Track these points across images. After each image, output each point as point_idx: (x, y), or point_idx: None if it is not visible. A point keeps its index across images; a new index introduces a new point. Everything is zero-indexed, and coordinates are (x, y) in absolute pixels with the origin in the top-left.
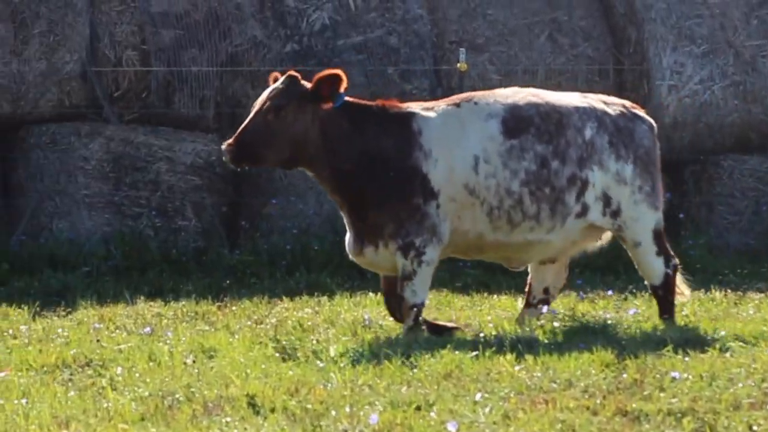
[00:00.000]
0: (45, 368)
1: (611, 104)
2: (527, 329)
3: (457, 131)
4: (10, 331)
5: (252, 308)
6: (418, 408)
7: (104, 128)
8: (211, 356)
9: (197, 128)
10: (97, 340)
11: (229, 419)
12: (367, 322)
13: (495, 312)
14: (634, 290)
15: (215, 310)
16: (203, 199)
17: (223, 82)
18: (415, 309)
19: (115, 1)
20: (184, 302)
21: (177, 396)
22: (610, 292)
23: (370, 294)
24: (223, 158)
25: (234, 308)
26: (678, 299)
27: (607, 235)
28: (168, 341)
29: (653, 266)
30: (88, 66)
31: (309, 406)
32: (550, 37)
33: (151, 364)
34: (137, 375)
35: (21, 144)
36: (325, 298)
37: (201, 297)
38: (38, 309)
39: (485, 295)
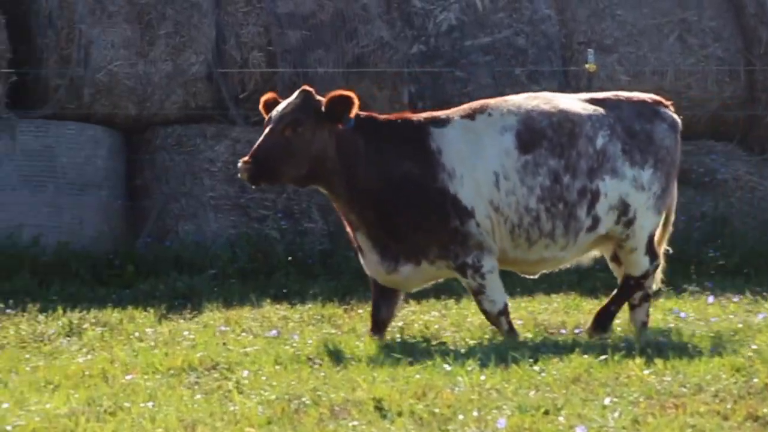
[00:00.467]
0: (171, 371)
1: (629, 103)
2: (654, 334)
3: (474, 146)
4: (136, 334)
5: None
6: (546, 412)
7: (230, 130)
8: (337, 359)
9: None
10: (223, 343)
11: (355, 423)
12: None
13: (623, 315)
14: (765, 294)
15: (341, 313)
16: (329, 201)
17: (348, 83)
18: (502, 315)
19: (241, 2)
20: (310, 305)
21: (303, 399)
22: (739, 297)
23: None
24: (239, 175)
25: (360, 311)
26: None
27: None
28: (294, 344)
29: (639, 263)
30: (213, 67)
31: (436, 410)
32: (679, 38)
33: (277, 367)
34: (263, 378)
35: (147, 146)
36: (452, 301)
37: (327, 300)
38: (164, 312)
39: None
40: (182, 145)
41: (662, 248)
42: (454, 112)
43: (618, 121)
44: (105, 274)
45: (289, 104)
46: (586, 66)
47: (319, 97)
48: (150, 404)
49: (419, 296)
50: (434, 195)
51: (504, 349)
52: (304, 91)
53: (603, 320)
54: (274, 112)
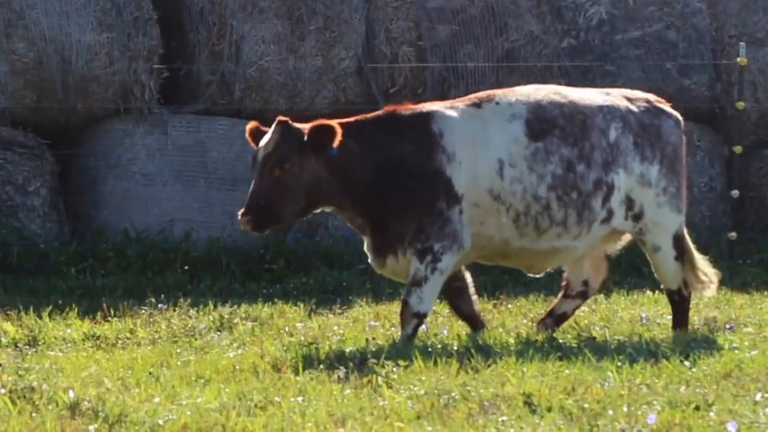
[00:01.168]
0: (321, 366)
1: (635, 100)
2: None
3: (479, 133)
4: (286, 329)
5: (528, 306)
6: (697, 408)
7: None
8: (486, 354)
9: None
10: (373, 338)
11: (505, 418)
12: (644, 321)
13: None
14: None
15: (491, 308)
16: None
17: (499, 77)
18: (417, 318)
19: None
20: None
21: (453, 394)
22: None
23: (648, 292)
24: (243, 229)
25: (510, 306)
26: (705, 291)
27: (626, 237)
28: (444, 339)
29: (671, 270)
30: (363, 62)
31: (585, 405)
32: None
33: (426, 362)
34: (413, 373)
35: None
36: (601, 296)
37: (477, 294)
38: (314, 306)
39: (766, 293)
40: None
41: (689, 245)
42: (459, 101)
43: (630, 114)
44: (255, 269)
45: (269, 141)
46: (738, 60)
47: (297, 126)
48: (300, 399)
49: None
50: (428, 175)
51: (654, 344)
52: (281, 123)
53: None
54: (259, 154)
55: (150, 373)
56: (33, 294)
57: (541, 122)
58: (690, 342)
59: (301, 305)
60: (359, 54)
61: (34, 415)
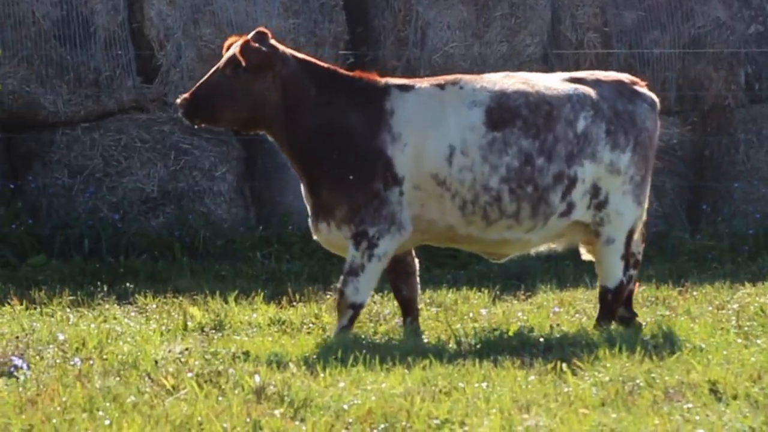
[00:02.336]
0: (505, 352)
1: (609, 82)
2: None
3: (435, 116)
4: (471, 315)
5: (713, 293)
6: None
7: None
8: (671, 341)
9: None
10: (557, 324)
11: (690, 405)
12: None
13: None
14: None
15: (676, 295)
16: (664, 182)
17: (685, 64)
18: (353, 309)
19: None
20: (644, 287)
21: (637, 381)
22: None
23: None
24: (178, 113)
25: (695, 293)
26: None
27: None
28: (627, 326)
29: (614, 268)
30: (549, 49)
31: None
32: None
33: (611, 349)
34: (597, 360)
35: None
36: None
37: (661, 281)
38: (498, 292)
39: None
40: None
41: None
42: (426, 80)
43: (603, 100)
44: (440, 255)
45: (239, 43)
46: None
47: (272, 42)
48: (484, 385)
49: (755, 278)
50: (368, 152)
51: None
52: (259, 32)
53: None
54: (227, 53)
55: (335, 358)
56: (219, 279)
57: (503, 111)
58: None
59: (486, 291)
60: (544, 40)
61: (220, 399)
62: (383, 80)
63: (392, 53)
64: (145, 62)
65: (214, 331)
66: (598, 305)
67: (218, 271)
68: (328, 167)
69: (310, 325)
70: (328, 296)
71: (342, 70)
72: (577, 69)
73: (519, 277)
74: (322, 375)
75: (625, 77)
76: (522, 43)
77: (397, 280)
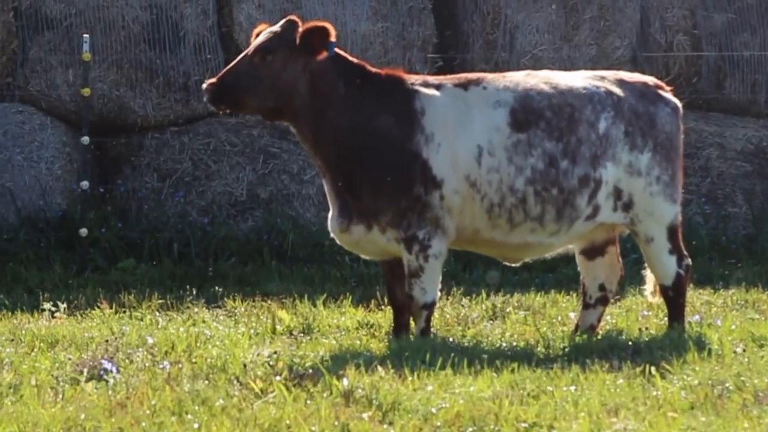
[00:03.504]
0: (594, 355)
1: (632, 84)
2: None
3: (462, 116)
4: (559, 318)
5: None
6: None
7: None
8: (761, 345)
9: (748, 114)
10: (646, 328)
11: None
12: None
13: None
14: None
15: (765, 299)
16: (753, 185)
17: None
18: (426, 309)
19: None
20: (733, 290)
21: (727, 385)
22: None
23: None
24: (203, 98)
25: None
26: (650, 298)
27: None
28: (717, 329)
29: (665, 265)
30: (638, 51)
31: None
32: None
33: (700, 352)
34: (686, 363)
35: None
36: None
37: (751, 285)
38: None
39: None
40: None
41: None
42: (447, 79)
43: (623, 101)
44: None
45: (269, 32)
46: None
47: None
48: (572, 388)
49: None
50: (405, 155)
51: None
52: (290, 20)
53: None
54: (257, 39)
55: (423, 362)
56: (307, 282)
57: (527, 113)
58: None
59: (574, 294)
60: (633, 43)
61: (308, 402)
62: (409, 78)
63: (481, 56)
64: None
65: (302, 335)
66: (665, 307)
67: (307, 275)
68: (367, 170)
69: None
70: None
71: (370, 67)
72: (667, 72)
73: None
74: (410, 378)
75: (650, 80)
76: (611, 46)
77: (393, 282)
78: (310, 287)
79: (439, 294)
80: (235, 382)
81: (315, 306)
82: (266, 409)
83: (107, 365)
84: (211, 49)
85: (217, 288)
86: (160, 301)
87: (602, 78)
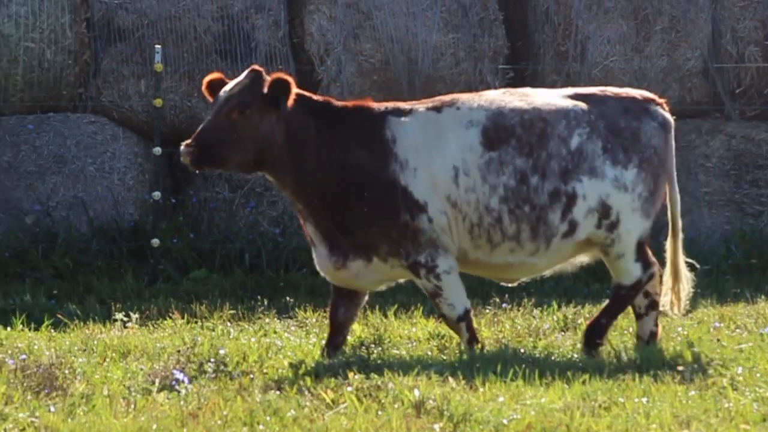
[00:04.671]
0: (665, 367)
1: (617, 99)
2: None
3: (435, 138)
4: (630, 329)
5: None
6: None
7: (725, 125)
8: None
9: None
10: (717, 340)
11: None
12: None
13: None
14: None
15: None
16: None
17: None
18: (462, 321)
19: None
20: None
21: None
22: None
23: None
24: (181, 159)
25: None
26: (669, 311)
27: None
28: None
29: (629, 269)
30: (709, 62)
31: None
32: None
33: None
34: (758, 375)
35: None
36: None
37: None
38: None
39: None
40: (677, 141)
41: (680, 259)
42: (421, 103)
43: (600, 118)
44: (599, 270)
45: (237, 85)
46: None
47: (268, 78)
48: (644, 400)
49: None
50: (384, 186)
51: None
52: (254, 71)
53: (593, 335)
54: (222, 93)
55: (494, 373)
56: (378, 293)
57: (498, 130)
58: None
59: None
60: (705, 54)
61: (380, 413)
62: (377, 107)
63: (552, 67)
64: (305, 77)
65: (373, 345)
66: (608, 301)
67: None
68: (350, 206)
69: None
70: (487, 311)
71: (334, 101)
72: (739, 83)
73: None
74: (481, 389)
75: (640, 94)
76: (682, 57)
77: (339, 301)
78: (381, 298)
79: (469, 302)
80: (306, 392)
81: (386, 317)
82: (337, 419)
83: (179, 375)
84: (283, 59)
85: (288, 298)
86: (232, 312)
87: (585, 95)
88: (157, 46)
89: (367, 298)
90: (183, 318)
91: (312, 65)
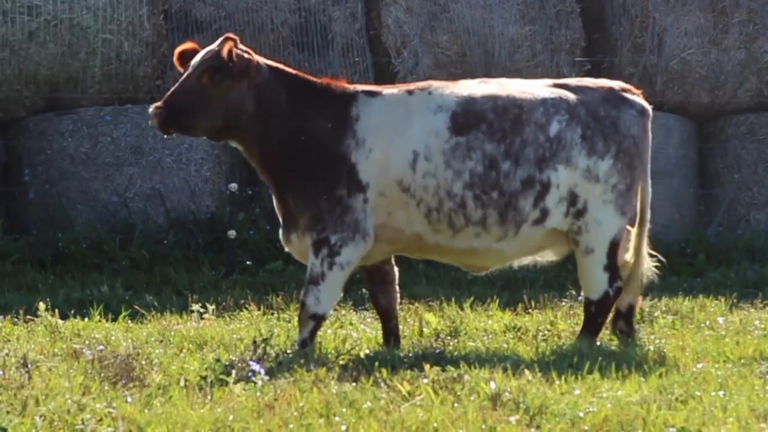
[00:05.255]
0: (742, 360)
1: (595, 89)
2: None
3: (401, 122)
4: (707, 323)
5: None
6: None
7: None
8: None
9: None
10: None
11: None
12: None
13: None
14: None
15: None
16: None
17: None
18: (314, 320)
19: None
20: None
21: None
22: None
23: None
24: (150, 123)
25: None
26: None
27: None
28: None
29: (597, 280)
30: None
31: None
32: None
33: None
34: None
35: (718, 134)
36: None
37: None
38: (735, 301)
39: None
40: (754, 134)
41: (643, 247)
42: (395, 87)
43: (581, 105)
44: (676, 263)
45: (211, 51)
46: None
47: (244, 48)
48: (721, 393)
49: None
50: (333, 158)
51: None
52: (228, 38)
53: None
54: (195, 59)
55: (570, 365)
56: (454, 285)
57: (468, 116)
58: None
59: (722, 299)
60: None
61: (455, 405)
62: (352, 87)
63: (629, 60)
64: (382, 69)
65: (449, 338)
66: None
67: (454, 278)
68: (294, 175)
69: (546, 332)
70: (564, 303)
71: (310, 77)
72: None
73: (756, 285)
74: (557, 382)
75: (616, 84)
76: (760, 50)
77: (374, 289)
78: (457, 290)
79: (331, 311)
80: (382, 384)
81: (462, 309)
82: (413, 411)
83: (255, 367)
84: (359, 51)
85: (364, 290)
86: None
87: (562, 84)
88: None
89: (395, 271)
90: (259, 309)
91: (388, 57)
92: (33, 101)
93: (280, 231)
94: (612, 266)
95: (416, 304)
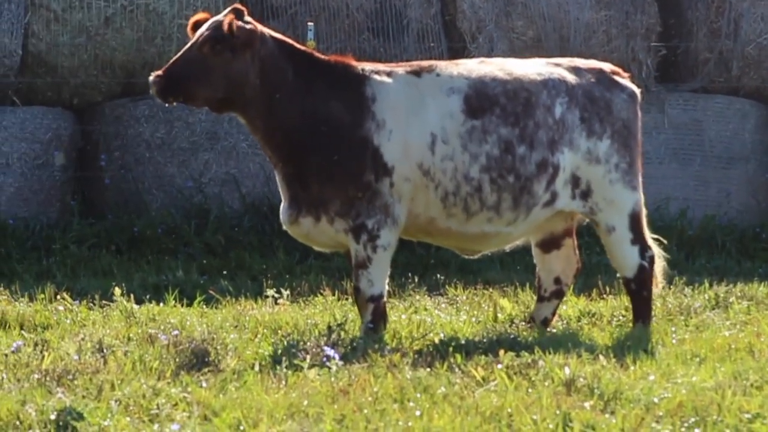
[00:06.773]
0: None
1: (586, 70)
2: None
3: (415, 103)
4: None
5: None
6: None
7: None
8: None
9: None
10: None
11: None
12: None
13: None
14: None
15: None
16: None
17: None
18: (373, 302)
19: None
20: None
21: None
22: None
23: None
24: (150, 91)
25: None
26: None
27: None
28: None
29: (627, 256)
30: None
31: None
32: None
33: None
34: None
35: None
36: None
37: None
38: None
39: None
40: None
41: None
42: (399, 66)
43: (578, 87)
44: (752, 248)
45: (216, 21)
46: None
47: (250, 20)
48: None
49: None
50: (355, 142)
51: None
52: (235, 8)
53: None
54: (200, 29)
55: (645, 351)
56: (529, 270)
57: (481, 99)
58: None
59: None
60: None
61: (530, 390)
62: (358, 64)
63: (704, 45)
64: (457, 54)
65: (523, 323)
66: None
67: (528, 263)
68: (316, 159)
69: (620, 317)
70: None
71: (317, 54)
72: None
73: None
74: (632, 367)
75: (606, 66)
76: None
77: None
78: (531, 275)
79: (386, 287)
80: (456, 369)
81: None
82: (487, 397)
83: (330, 352)
84: (435, 37)
85: (438, 276)
86: None
87: (557, 65)
88: (310, 23)
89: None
90: (334, 294)
91: (464, 42)
92: (109, 87)
93: (282, 210)
94: (639, 239)
95: (491, 290)
